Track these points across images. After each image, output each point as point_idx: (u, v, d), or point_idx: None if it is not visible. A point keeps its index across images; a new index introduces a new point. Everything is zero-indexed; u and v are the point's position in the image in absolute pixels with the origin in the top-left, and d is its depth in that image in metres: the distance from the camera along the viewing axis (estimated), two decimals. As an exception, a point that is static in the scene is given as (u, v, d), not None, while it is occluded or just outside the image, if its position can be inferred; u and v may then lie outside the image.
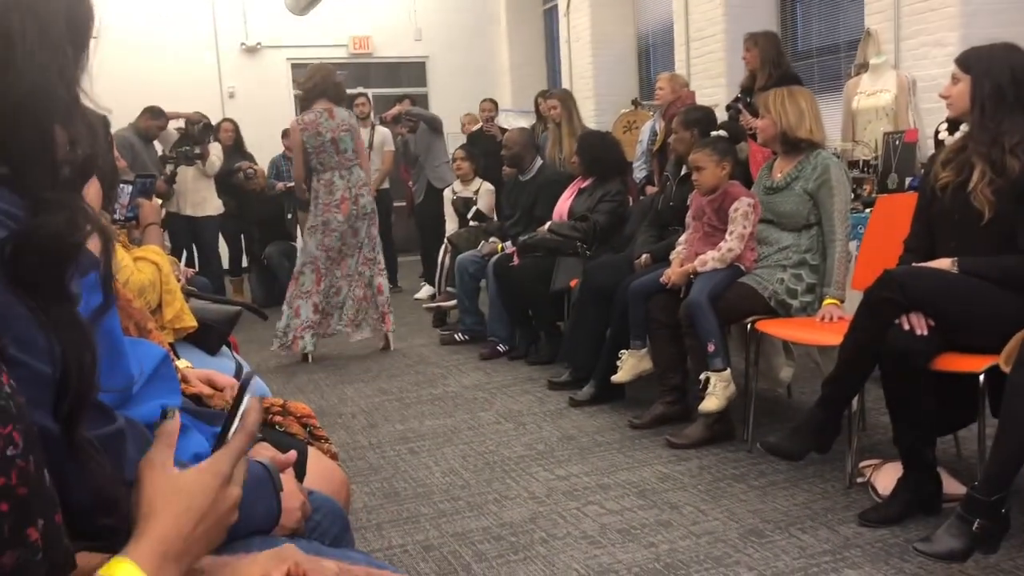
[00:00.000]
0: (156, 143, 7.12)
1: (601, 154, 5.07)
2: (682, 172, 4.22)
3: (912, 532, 2.55)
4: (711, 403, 3.37)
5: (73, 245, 0.80)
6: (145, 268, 2.48)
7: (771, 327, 3.38)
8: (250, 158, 8.19)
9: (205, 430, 1.43)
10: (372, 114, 8.00)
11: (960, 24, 5.33)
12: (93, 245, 0.85)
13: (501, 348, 5.27)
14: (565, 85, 10.00)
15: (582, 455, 3.46)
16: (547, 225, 5.08)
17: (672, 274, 3.60)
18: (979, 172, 2.61)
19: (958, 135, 2.88)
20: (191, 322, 2.53)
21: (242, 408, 0.98)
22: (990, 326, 2.49)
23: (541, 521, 2.85)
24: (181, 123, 7.36)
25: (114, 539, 0.88)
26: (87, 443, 0.83)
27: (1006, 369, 2.26)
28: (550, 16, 11.41)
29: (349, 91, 10.16)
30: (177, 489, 0.88)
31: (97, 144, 0.85)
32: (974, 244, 2.62)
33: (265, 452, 1.44)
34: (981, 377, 2.50)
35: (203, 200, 7.23)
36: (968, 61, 2.69)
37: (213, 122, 7.99)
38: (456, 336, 5.72)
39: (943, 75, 2.80)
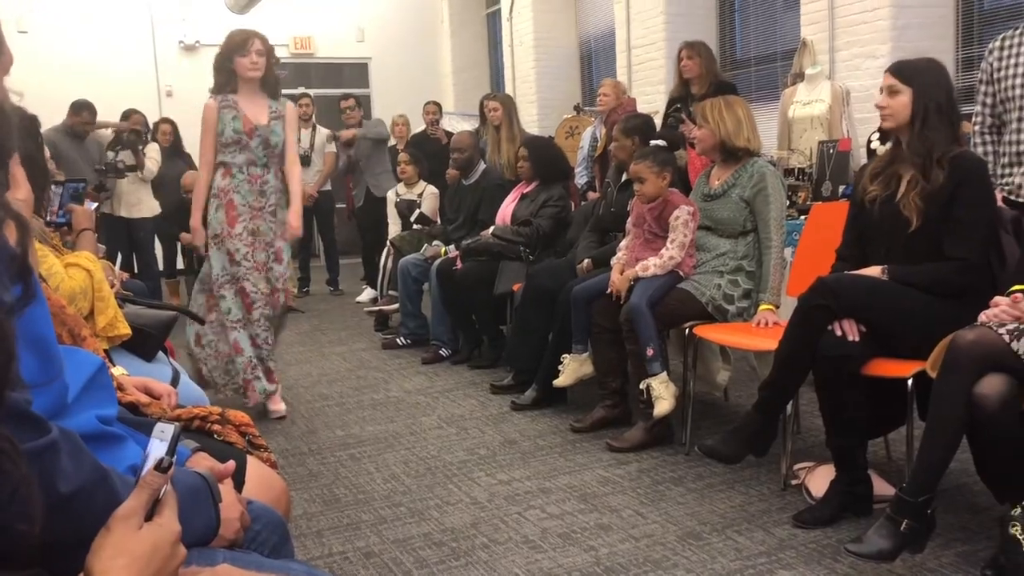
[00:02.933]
0: (97, 141, 6.91)
1: (549, 159, 5.13)
2: (622, 179, 4.27)
3: (844, 533, 2.61)
4: (662, 406, 3.41)
5: None
6: (76, 275, 2.42)
7: (709, 332, 3.44)
8: (188, 159, 8.05)
9: (142, 440, 1.41)
10: (314, 115, 7.92)
11: (891, 37, 5.50)
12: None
13: (444, 352, 5.26)
14: (508, 89, 10.04)
15: (524, 459, 3.48)
16: (490, 230, 5.09)
17: (615, 282, 3.64)
18: (908, 181, 2.70)
19: (889, 145, 2.96)
20: (125, 330, 2.47)
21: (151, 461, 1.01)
22: (918, 332, 2.57)
23: (483, 526, 2.85)
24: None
25: (20, 545, 0.87)
26: (3, 443, 0.82)
27: (933, 374, 2.34)
28: (493, 20, 11.44)
29: (290, 92, 10.10)
30: (137, 555, 0.92)
31: (5, 132, 0.82)
32: (903, 252, 2.70)
33: (203, 462, 1.42)
34: (909, 382, 2.58)
35: (138, 201, 7.08)
36: (907, 73, 2.73)
37: (150, 121, 7.84)
38: (398, 340, 5.70)
39: (875, 86, 2.87)
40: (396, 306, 5.92)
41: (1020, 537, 2.14)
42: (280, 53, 10.95)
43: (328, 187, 8.06)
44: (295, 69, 11.18)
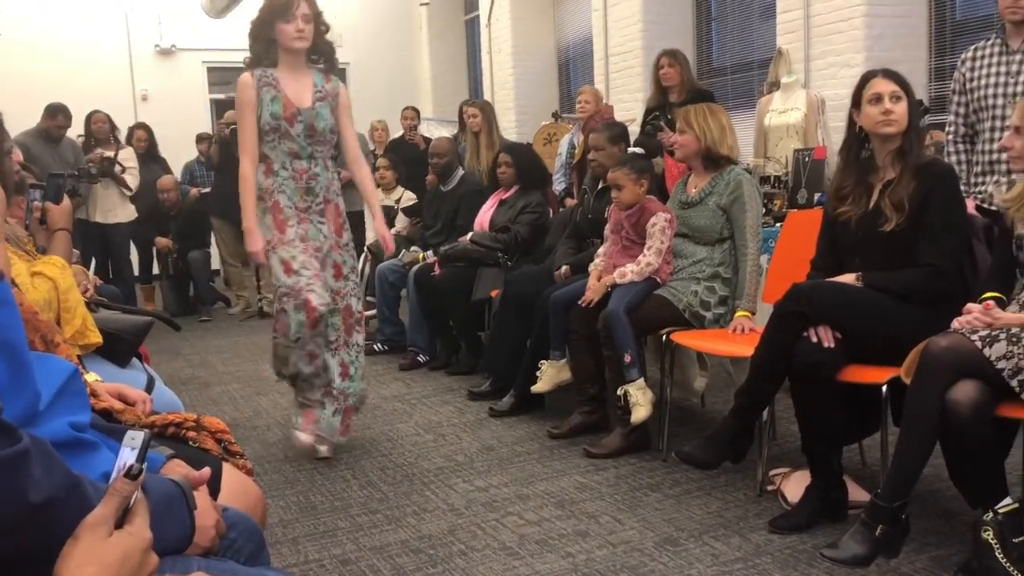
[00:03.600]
0: (72, 145, 6.84)
1: (532, 165, 5.15)
2: (599, 186, 4.29)
3: (819, 538, 2.63)
4: (639, 413, 3.41)
5: None
6: (41, 285, 2.34)
7: (685, 338, 3.45)
8: (164, 163, 8.00)
9: (116, 447, 1.40)
10: None
11: (865, 46, 5.56)
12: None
13: (421, 358, 5.25)
14: (486, 96, 10.06)
15: (501, 466, 3.48)
16: (469, 236, 5.09)
17: (590, 289, 3.65)
18: (880, 189, 2.73)
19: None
20: (95, 338, 2.43)
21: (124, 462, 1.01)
22: (893, 338, 2.59)
23: (460, 533, 2.85)
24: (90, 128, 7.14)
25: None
26: None
27: (907, 380, 2.36)
28: (472, 26, 11.45)
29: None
30: (106, 563, 0.91)
31: None
32: (877, 261, 2.73)
33: (178, 469, 1.41)
34: (884, 388, 2.60)
35: (114, 207, 7.02)
36: (902, 81, 2.74)
37: (125, 125, 7.79)
38: (375, 346, 5.67)
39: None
40: (373, 312, 5.90)
41: (992, 542, 2.17)
42: (257, 58, 10.98)
43: None
44: (272, 74, 11.15)
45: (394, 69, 11.25)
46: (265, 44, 3.35)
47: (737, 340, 3.33)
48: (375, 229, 3.64)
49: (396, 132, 8.02)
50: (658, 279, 3.59)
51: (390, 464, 3.56)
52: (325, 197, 3.45)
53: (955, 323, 2.39)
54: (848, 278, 2.74)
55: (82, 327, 2.40)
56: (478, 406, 4.32)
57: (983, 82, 3.39)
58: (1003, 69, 3.35)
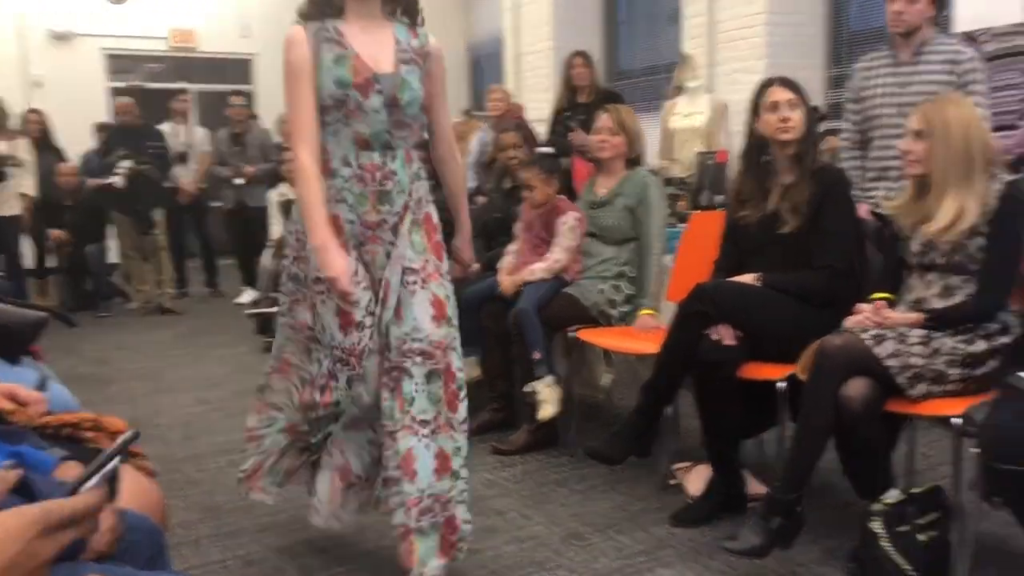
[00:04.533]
0: None
1: None
2: (503, 184, 4.32)
3: (720, 531, 2.71)
4: (546, 410, 3.44)
5: None
6: None
7: (592, 336, 3.50)
8: (59, 153, 7.70)
9: (4, 449, 1.35)
10: (190, 113, 7.79)
11: (767, 54, 5.75)
12: None
13: (328, 356, 5.17)
14: (397, 91, 9.98)
15: (409, 464, 3.46)
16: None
17: (503, 284, 3.67)
18: (780, 193, 2.83)
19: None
20: None
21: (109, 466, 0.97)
22: (790, 337, 2.68)
23: (367, 532, 2.82)
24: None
25: None
26: None
27: (802, 377, 2.45)
28: (382, 21, 11.34)
29: (169, 85, 9.78)
30: None
31: None
32: (777, 262, 2.82)
33: (73, 471, 1.37)
34: (781, 385, 2.69)
35: (9, 199, 6.71)
36: (798, 88, 2.84)
37: (15, 110, 7.48)
38: (281, 344, 5.57)
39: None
40: (278, 308, 5.79)
41: (879, 531, 2.27)
42: (158, 46, 10.70)
43: (203, 186, 7.92)
44: (174, 63, 10.83)
45: (303, 61, 11.05)
46: None
47: (642, 337, 3.40)
48: (462, 251, 2.72)
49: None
50: (567, 277, 3.63)
51: (296, 463, 3.50)
52: (406, 206, 2.38)
53: (847, 322, 2.50)
54: (748, 278, 2.83)
55: None
56: (386, 404, 4.28)
57: (874, 92, 3.54)
58: (892, 80, 3.49)
